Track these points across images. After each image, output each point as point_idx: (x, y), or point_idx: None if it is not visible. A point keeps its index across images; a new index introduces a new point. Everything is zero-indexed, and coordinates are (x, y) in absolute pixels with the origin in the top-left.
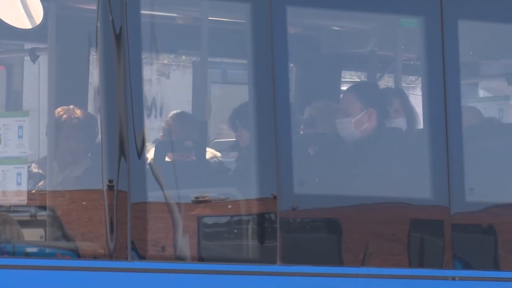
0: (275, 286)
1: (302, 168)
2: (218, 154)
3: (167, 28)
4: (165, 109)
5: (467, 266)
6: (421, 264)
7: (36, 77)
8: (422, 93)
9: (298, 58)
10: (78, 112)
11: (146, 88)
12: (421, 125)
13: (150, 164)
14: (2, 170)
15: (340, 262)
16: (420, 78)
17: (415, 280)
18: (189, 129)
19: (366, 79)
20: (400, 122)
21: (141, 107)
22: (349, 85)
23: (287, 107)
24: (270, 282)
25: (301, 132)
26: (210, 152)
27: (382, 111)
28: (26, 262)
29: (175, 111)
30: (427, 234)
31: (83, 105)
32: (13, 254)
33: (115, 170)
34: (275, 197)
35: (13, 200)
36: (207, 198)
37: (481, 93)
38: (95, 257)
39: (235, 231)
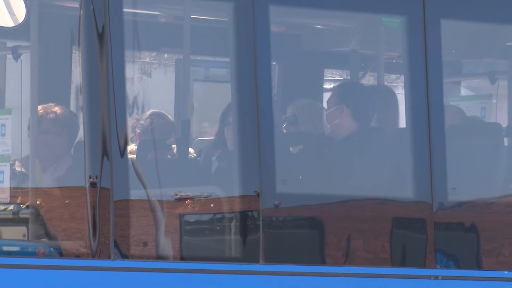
0: (258, 285)
1: (287, 165)
2: (192, 151)
3: (149, 27)
4: (147, 108)
5: (449, 262)
6: (403, 263)
7: (18, 75)
8: (404, 91)
9: (281, 56)
10: (60, 110)
11: (128, 86)
12: (402, 124)
13: (132, 162)
14: None
15: (323, 261)
16: (402, 77)
17: (398, 279)
18: (169, 127)
19: (348, 78)
20: (379, 121)
21: (123, 105)
22: (332, 83)
23: (270, 105)
24: (253, 281)
25: (283, 130)
26: (191, 151)
27: (358, 109)
28: (8, 261)
29: (152, 110)
30: (408, 232)
31: (65, 103)
32: None
33: (97, 168)
34: (258, 195)
35: None
36: (188, 195)
37: (464, 91)
38: (78, 256)
39: (218, 229)
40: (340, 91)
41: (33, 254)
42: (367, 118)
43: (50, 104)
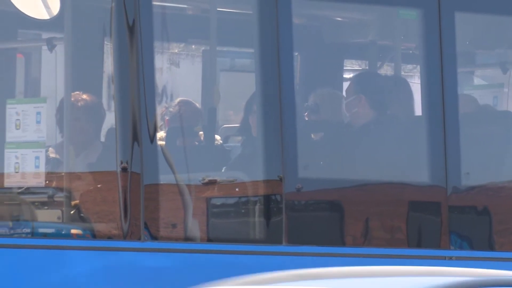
0: (281, 265)
1: (308, 151)
2: (218, 138)
3: (177, 19)
4: (175, 96)
5: (466, 246)
6: (419, 245)
7: (53, 65)
8: (421, 81)
9: (302, 47)
10: (89, 97)
11: (157, 76)
12: (417, 112)
13: (161, 147)
14: (21, 154)
15: (342, 243)
16: (418, 67)
17: (414, 260)
18: (196, 114)
19: (367, 68)
20: (396, 110)
21: (153, 94)
22: (351, 73)
23: (291, 94)
24: (277, 262)
25: (305, 118)
26: (218, 138)
27: (376, 99)
28: (44, 242)
29: (180, 98)
30: (424, 214)
31: (98, 92)
32: (32, 234)
33: (128, 154)
34: (281, 179)
35: (32, 182)
36: (215, 179)
37: (477, 81)
38: (110, 237)
39: (243, 212)
40: (358, 80)
41: (67, 236)
42: (384, 107)
43: (78, 92)
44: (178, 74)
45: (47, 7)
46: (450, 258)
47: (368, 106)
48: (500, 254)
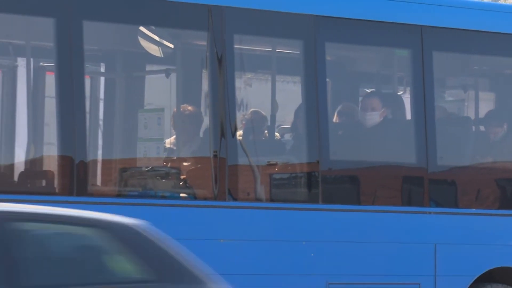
0: (318, 218)
1: (336, 143)
2: (277, 134)
3: (249, 55)
4: (248, 107)
5: (439, 205)
6: (409, 204)
7: (168, 86)
8: (410, 99)
9: (332, 75)
10: (192, 108)
11: (237, 93)
12: (408, 118)
13: (240, 141)
14: (147, 145)
15: (359, 202)
16: (408, 89)
17: (405, 214)
18: (262, 119)
19: (374, 90)
20: (393, 116)
21: (234, 105)
22: (364, 92)
23: (325, 106)
24: (315, 215)
25: (336, 120)
26: (277, 134)
27: (389, 110)
28: (163, 202)
29: (252, 109)
30: (412, 185)
31: (198, 104)
32: (155, 197)
33: (218, 145)
34: (318, 162)
35: (154, 164)
36: (275, 162)
37: (447, 97)
38: (205, 198)
39: (294, 183)
40: (381, 99)
41: (177, 198)
42: (385, 114)
43: (185, 104)
44: (250, 93)
45: (162, 48)
46: (430, 213)
47: (386, 116)
48: (462, 210)
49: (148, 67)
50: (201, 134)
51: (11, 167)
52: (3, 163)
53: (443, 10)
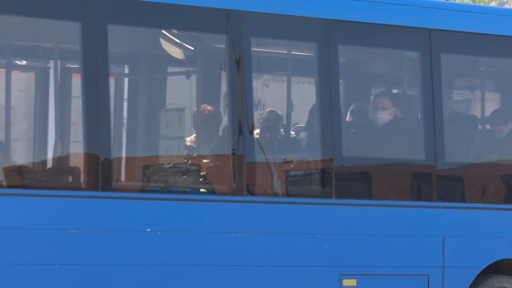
0: (331, 211)
1: (349, 141)
2: (293, 133)
3: (266, 57)
4: (265, 107)
5: (447, 199)
6: (419, 198)
7: (189, 87)
8: (419, 98)
9: (345, 76)
10: (211, 108)
11: (254, 93)
12: (417, 117)
13: (257, 139)
14: (169, 143)
15: (370, 197)
16: (417, 89)
17: (415, 208)
18: (278, 118)
19: (384, 89)
20: (402, 115)
21: (251, 105)
22: (375, 92)
23: (338, 105)
24: (328, 209)
25: (349, 119)
26: (292, 133)
27: (399, 109)
28: (185, 197)
29: (269, 108)
30: (422, 181)
31: (217, 104)
32: (176, 192)
33: (236, 143)
34: (331, 159)
35: (175, 161)
36: (291, 159)
37: (454, 97)
38: (224, 193)
39: (308, 179)
40: (391, 98)
41: (197, 193)
42: (394, 114)
43: (205, 104)
44: (267, 93)
45: (183, 51)
46: (438, 207)
47: (396, 114)
48: (469, 205)
49: (170, 69)
50: (220, 133)
51: (40, 164)
52: (33, 161)
53: (450, 14)
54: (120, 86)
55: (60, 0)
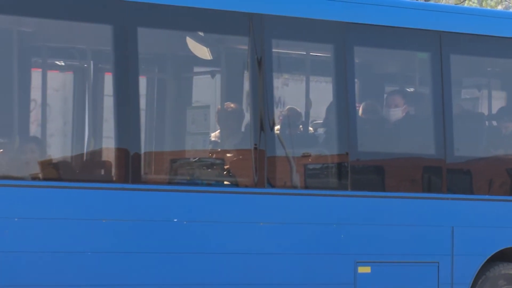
0: (346, 203)
1: (363, 136)
2: (311, 128)
3: (286, 58)
4: (285, 105)
5: (456, 191)
6: (429, 190)
7: (213, 86)
8: (429, 96)
9: (359, 76)
10: (234, 105)
11: (275, 92)
12: (428, 114)
13: (277, 135)
14: (195, 138)
15: (383, 189)
16: (428, 88)
17: (425, 200)
18: (297, 115)
19: (397, 88)
20: (415, 112)
21: (272, 103)
22: (388, 90)
23: (353, 103)
24: (344, 201)
25: (362, 116)
26: (311, 129)
27: (411, 107)
28: (209, 189)
29: (289, 106)
30: (432, 174)
31: (239, 102)
32: (201, 185)
33: (258, 138)
34: (347, 154)
35: (201, 155)
36: (309, 153)
37: (463, 95)
38: (246, 185)
39: (325, 172)
40: (403, 96)
41: (221, 185)
42: (407, 110)
43: (228, 102)
44: (287, 91)
45: (209, 52)
46: (447, 198)
47: (408, 111)
48: (476, 196)
49: (196, 69)
50: (242, 129)
51: (74, 158)
52: (68, 155)
53: (460, 17)
54: (149, 85)
55: (94, 5)
